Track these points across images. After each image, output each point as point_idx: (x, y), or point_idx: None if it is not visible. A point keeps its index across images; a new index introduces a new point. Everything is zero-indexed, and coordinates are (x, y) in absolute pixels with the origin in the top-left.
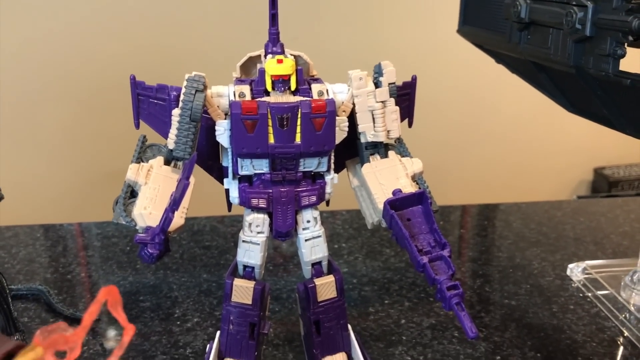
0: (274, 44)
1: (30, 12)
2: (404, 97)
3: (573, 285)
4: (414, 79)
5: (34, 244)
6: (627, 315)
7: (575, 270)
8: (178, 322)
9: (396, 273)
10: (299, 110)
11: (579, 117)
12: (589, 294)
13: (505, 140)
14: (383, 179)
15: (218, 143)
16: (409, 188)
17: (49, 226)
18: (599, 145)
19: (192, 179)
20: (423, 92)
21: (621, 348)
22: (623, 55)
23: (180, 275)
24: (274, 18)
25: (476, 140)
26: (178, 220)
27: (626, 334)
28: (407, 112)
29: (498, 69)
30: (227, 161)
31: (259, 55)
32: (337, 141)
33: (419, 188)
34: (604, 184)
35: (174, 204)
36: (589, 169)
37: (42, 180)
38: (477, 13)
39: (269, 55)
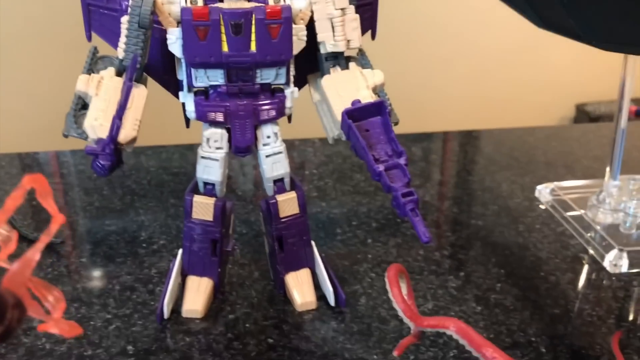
0: None
1: None
2: (367, 7)
3: (541, 206)
4: None
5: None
6: (592, 233)
7: (544, 192)
8: (144, 245)
9: (365, 196)
10: (253, 16)
11: (560, 52)
12: (556, 214)
13: (485, 75)
14: (343, 91)
15: (173, 56)
16: (369, 99)
17: (14, 155)
18: (581, 80)
19: (144, 89)
20: (401, 24)
21: (585, 264)
22: None
23: (147, 200)
24: None
25: (455, 73)
26: (130, 131)
27: (590, 251)
28: (370, 23)
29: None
30: (181, 74)
31: None
32: (295, 51)
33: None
34: (586, 120)
35: (120, 109)
36: (571, 104)
37: (11, 110)
38: None
39: None
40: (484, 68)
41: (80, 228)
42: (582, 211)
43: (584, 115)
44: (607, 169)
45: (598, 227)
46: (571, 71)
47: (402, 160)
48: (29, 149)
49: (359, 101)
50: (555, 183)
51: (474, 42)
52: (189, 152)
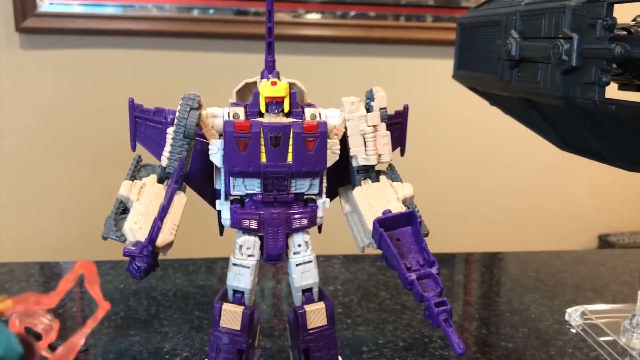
0: (270, 71)
1: (32, 71)
2: (396, 125)
3: (571, 329)
4: (406, 107)
5: (28, 279)
6: (628, 359)
7: (574, 315)
8: (167, 357)
9: (391, 315)
10: (291, 130)
11: (582, 182)
12: (588, 338)
13: (508, 201)
14: (374, 202)
15: (212, 167)
16: (400, 210)
17: (45, 263)
18: (604, 211)
19: (184, 196)
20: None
21: None
22: (608, 83)
23: (172, 312)
24: (270, 46)
25: (476, 196)
26: (167, 235)
27: None
28: (399, 140)
29: (502, 126)
30: (220, 183)
31: (255, 82)
32: (329, 164)
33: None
34: None
35: (162, 210)
36: (594, 235)
37: (41, 220)
38: (470, 57)
39: (264, 79)
40: (506, 194)
41: (104, 337)
42: (616, 336)
43: (607, 245)
44: (639, 293)
45: (634, 353)
46: (594, 202)
47: (434, 270)
48: (52, 259)
49: (389, 211)
50: (586, 306)
51: (498, 167)
52: (215, 265)
